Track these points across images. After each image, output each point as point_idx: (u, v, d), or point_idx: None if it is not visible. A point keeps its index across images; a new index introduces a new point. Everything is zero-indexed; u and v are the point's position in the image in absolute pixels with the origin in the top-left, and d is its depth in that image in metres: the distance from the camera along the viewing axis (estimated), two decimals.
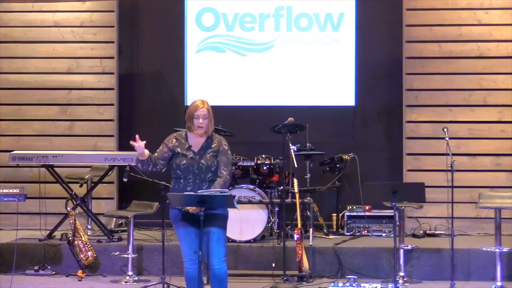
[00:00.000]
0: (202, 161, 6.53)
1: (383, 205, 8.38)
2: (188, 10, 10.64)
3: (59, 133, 10.33)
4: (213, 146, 6.60)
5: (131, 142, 6.52)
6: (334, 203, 9.79)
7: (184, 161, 6.53)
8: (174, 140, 6.65)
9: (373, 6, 10.45)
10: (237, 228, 8.78)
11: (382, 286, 7.93)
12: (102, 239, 8.99)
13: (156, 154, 6.62)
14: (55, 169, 9.28)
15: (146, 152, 6.52)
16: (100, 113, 10.33)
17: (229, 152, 6.64)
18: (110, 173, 9.44)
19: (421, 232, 9.60)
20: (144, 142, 6.51)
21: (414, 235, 9.51)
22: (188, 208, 6.39)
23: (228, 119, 9.57)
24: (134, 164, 8.85)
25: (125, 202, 9.91)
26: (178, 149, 6.58)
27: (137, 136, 6.53)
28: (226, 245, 6.58)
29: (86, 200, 9.42)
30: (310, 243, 8.69)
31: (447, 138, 8.12)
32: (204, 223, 6.38)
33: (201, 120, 6.55)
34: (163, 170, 6.70)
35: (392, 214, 8.63)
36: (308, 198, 9.21)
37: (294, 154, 8.83)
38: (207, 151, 6.56)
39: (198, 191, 6.38)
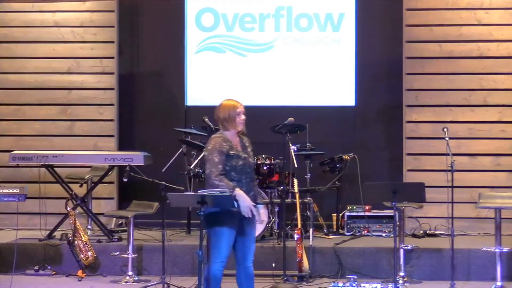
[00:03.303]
0: (251, 159, 6.59)
1: (383, 205, 8.38)
2: (188, 10, 10.64)
3: (59, 133, 10.33)
4: (247, 144, 6.65)
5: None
6: (334, 203, 9.79)
7: (241, 162, 6.48)
8: (224, 143, 6.50)
9: (373, 6, 10.45)
10: None
11: (382, 286, 7.93)
12: (102, 239, 8.99)
13: (220, 166, 6.43)
14: (55, 169, 9.28)
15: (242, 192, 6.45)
16: (100, 113, 10.33)
17: None
18: (110, 173, 9.44)
19: (421, 232, 9.60)
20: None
21: (414, 235, 9.51)
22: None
23: None
24: (134, 164, 8.90)
25: (125, 202, 9.91)
26: (232, 151, 6.48)
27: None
28: None
29: (86, 200, 9.42)
30: (310, 243, 8.69)
31: (447, 138, 8.12)
32: (246, 225, 6.48)
33: (243, 116, 6.60)
34: None
35: (392, 214, 8.63)
36: (308, 198, 9.21)
37: (294, 154, 8.84)
38: (247, 150, 6.60)
39: (199, 191, 6.39)
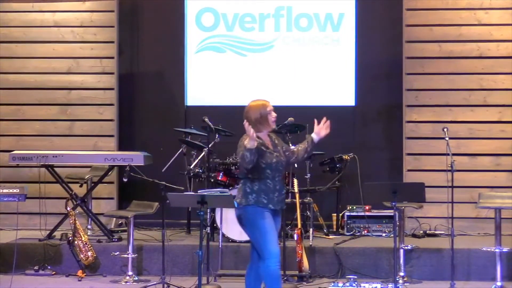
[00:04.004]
0: (283, 158, 6.59)
1: (383, 205, 8.38)
2: (188, 10, 10.64)
3: (59, 133, 10.33)
4: (276, 142, 6.65)
5: (251, 132, 6.27)
6: (334, 203, 9.79)
7: (274, 160, 6.49)
8: (257, 138, 6.49)
9: (373, 6, 10.45)
10: (237, 228, 8.71)
11: (382, 286, 7.94)
12: (102, 239, 8.99)
13: None
14: (55, 169, 9.28)
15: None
16: (100, 113, 10.33)
17: None
18: (110, 173, 9.44)
19: (421, 232, 9.60)
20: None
21: (414, 235, 9.51)
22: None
23: (228, 119, 9.57)
24: (134, 164, 8.90)
25: (125, 202, 9.91)
26: (263, 147, 6.49)
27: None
28: None
29: (86, 200, 9.42)
30: (310, 243, 8.70)
31: (447, 138, 8.12)
32: (276, 220, 6.51)
33: (274, 114, 6.63)
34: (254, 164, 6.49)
35: (392, 214, 8.62)
36: (308, 198, 9.21)
37: None
38: (278, 148, 6.61)
39: (199, 191, 6.40)
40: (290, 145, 8.78)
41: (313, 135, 6.70)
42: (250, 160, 6.32)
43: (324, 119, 6.74)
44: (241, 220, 6.55)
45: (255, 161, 6.37)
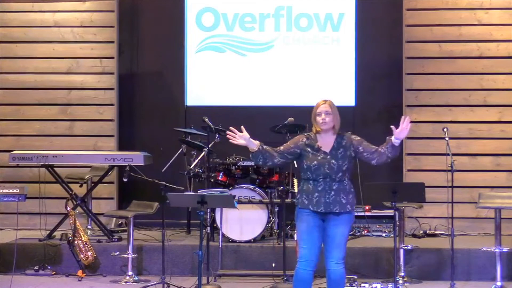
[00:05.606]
0: (333, 161, 6.43)
1: (383, 205, 8.38)
2: (188, 10, 10.64)
3: (59, 133, 10.33)
4: (344, 144, 6.51)
5: (230, 135, 6.34)
6: None
7: (315, 162, 6.41)
8: (305, 139, 6.50)
9: (373, 6, 10.45)
10: (237, 228, 8.79)
11: (382, 286, 7.94)
12: (102, 239, 8.99)
13: (281, 148, 6.50)
14: (55, 169, 9.28)
15: (256, 142, 6.39)
16: (100, 113, 10.33)
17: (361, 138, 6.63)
18: (110, 173, 9.44)
19: (421, 232, 9.60)
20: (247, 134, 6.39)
21: (414, 235, 9.52)
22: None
23: (228, 119, 9.55)
24: (134, 164, 8.91)
25: (125, 202, 9.92)
26: (308, 148, 6.45)
27: (242, 127, 6.39)
28: (346, 248, 6.56)
29: (86, 200, 9.42)
30: None
31: (447, 138, 8.11)
32: (330, 226, 6.42)
33: (323, 116, 6.49)
34: (278, 163, 6.56)
35: (392, 214, 8.63)
36: None
37: None
38: (338, 151, 6.47)
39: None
40: None
41: (393, 138, 6.52)
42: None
43: (404, 118, 6.55)
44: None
45: (276, 162, 6.50)
